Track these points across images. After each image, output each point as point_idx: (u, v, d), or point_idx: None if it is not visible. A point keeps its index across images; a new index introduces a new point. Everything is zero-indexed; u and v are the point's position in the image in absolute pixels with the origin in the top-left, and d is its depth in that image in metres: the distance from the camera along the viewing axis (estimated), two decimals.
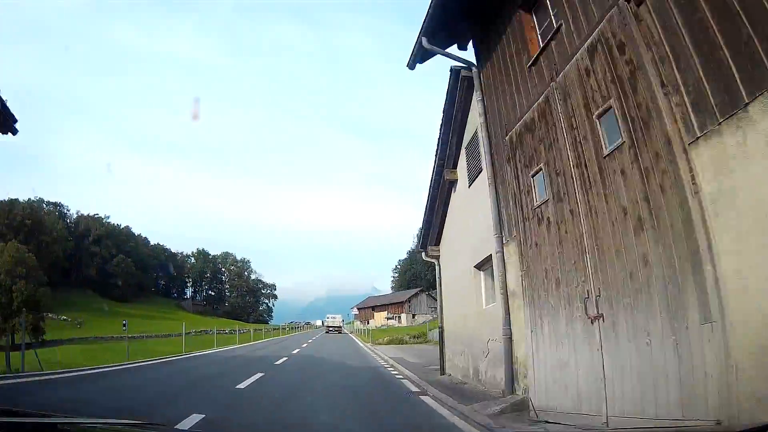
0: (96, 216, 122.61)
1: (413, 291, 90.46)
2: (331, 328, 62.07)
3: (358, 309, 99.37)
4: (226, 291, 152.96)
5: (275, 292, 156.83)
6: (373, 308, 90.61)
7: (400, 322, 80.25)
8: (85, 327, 69.23)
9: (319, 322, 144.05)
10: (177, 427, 5.54)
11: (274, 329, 74.83)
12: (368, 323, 79.94)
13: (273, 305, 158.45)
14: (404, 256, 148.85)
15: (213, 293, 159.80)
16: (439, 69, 20.83)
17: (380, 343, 35.94)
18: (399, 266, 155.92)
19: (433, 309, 76.93)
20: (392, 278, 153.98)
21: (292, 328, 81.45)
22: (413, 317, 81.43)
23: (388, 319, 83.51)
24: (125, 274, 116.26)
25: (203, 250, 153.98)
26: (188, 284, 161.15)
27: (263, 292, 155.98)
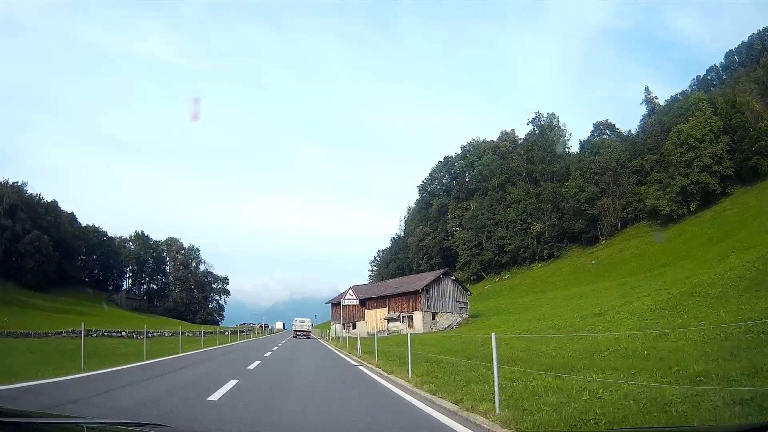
0: (12, 184, 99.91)
1: (434, 274, 63.34)
2: (299, 333, 58.73)
3: (334, 305, 69.32)
4: (171, 284, 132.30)
5: (228, 287, 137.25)
6: (363, 303, 61.81)
7: (411, 325, 56.04)
8: None
9: (279, 325, 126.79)
10: None
11: (222, 333, 57.47)
12: (353, 328, 63.44)
13: (225, 303, 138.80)
14: (386, 244, 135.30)
15: (156, 287, 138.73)
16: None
17: None
18: (379, 258, 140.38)
19: (463, 306, 60.35)
20: (370, 272, 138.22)
21: (238, 333, 62.55)
22: (433, 318, 57.01)
23: (390, 320, 59.93)
24: (40, 256, 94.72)
25: (142, 233, 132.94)
26: (128, 275, 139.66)
27: (214, 286, 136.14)
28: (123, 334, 53.19)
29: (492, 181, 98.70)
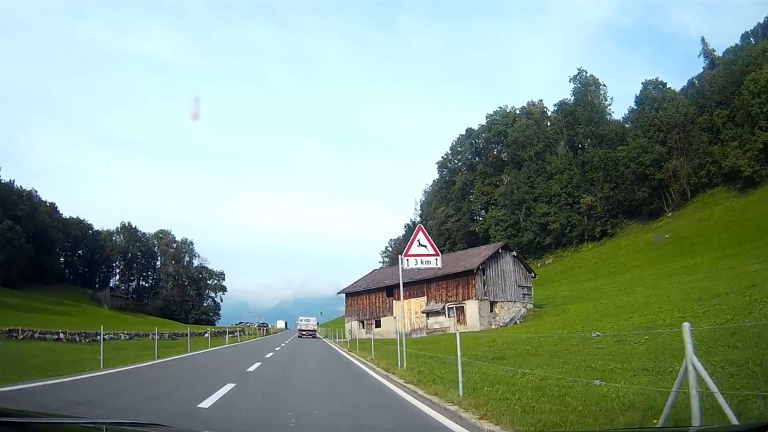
0: None
1: (490, 248, 46.99)
2: (305, 332, 54.15)
3: (349, 296, 54.19)
4: (162, 281, 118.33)
5: (224, 283, 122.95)
6: (388, 290, 47.19)
7: (462, 320, 40.46)
8: None
9: (281, 324, 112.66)
10: None
11: (217, 334, 43.38)
12: (375, 326, 48.34)
13: (221, 301, 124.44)
14: (399, 232, 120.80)
15: (146, 284, 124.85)
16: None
17: None
18: (391, 248, 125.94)
19: (527, 293, 45.59)
20: (381, 263, 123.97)
21: (228, 334, 47.66)
22: (492, 308, 41.29)
23: (429, 315, 43.68)
24: (12, 248, 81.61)
25: (129, 224, 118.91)
26: (116, 271, 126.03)
27: (209, 283, 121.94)
28: (61, 336, 39.33)
29: (528, 150, 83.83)
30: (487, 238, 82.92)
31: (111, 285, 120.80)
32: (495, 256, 43.38)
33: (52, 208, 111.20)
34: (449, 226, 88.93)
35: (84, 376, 11.73)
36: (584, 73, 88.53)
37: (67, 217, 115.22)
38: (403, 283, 41.67)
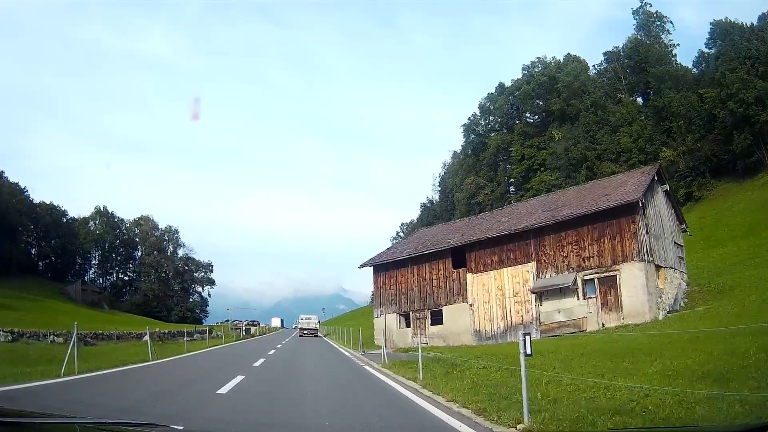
0: None
1: (642, 173, 26.67)
2: (305, 331, 49.85)
3: (379, 271, 33.24)
4: (141, 273, 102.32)
5: (212, 276, 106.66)
6: (456, 256, 28.43)
7: (612, 302, 22.07)
8: None
9: (276, 322, 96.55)
10: None
11: (149, 337, 26.77)
12: (432, 324, 29.18)
13: (209, 296, 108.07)
14: (413, 216, 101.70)
15: (126, 277, 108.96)
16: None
17: None
18: (403, 233, 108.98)
19: (681, 256, 26.83)
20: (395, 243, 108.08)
21: (196, 335, 30.53)
22: (659, 273, 22.75)
23: (544, 295, 24.31)
24: None
25: (105, 209, 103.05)
26: (93, 263, 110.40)
27: (195, 276, 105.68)
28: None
29: (584, 99, 66.78)
30: None
31: (87, 278, 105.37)
32: (651, 189, 24.65)
33: (18, 189, 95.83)
34: (481, 198, 72.04)
35: None
36: (647, 6, 71.36)
37: (38, 201, 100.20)
38: (494, 239, 24.31)
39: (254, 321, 77.81)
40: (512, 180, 70.70)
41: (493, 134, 75.99)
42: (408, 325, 30.88)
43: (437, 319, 29.22)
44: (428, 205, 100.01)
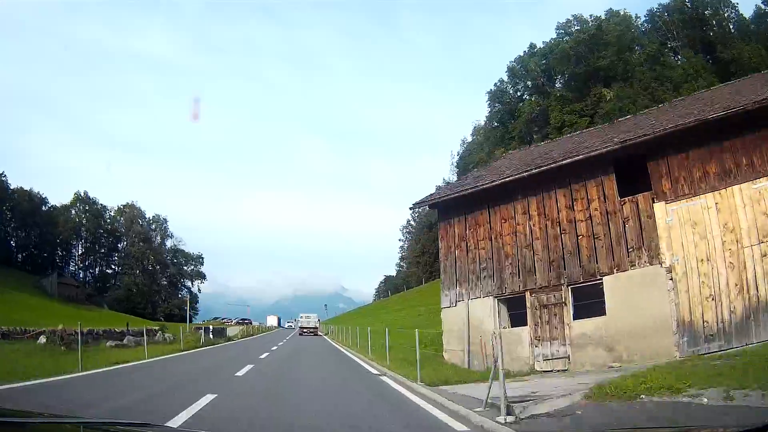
0: None
1: None
2: (305, 330, 49.57)
3: (445, 210, 18.30)
4: (125, 265, 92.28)
5: (202, 269, 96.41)
6: (652, 160, 13.21)
7: None
8: None
9: (272, 321, 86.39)
10: None
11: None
12: (582, 314, 14.17)
13: (199, 291, 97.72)
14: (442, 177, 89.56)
15: (109, 270, 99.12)
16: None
17: None
18: (414, 221, 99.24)
19: None
20: (403, 243, 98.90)
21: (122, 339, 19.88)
22: None
23: None
24: None
25: (86, 194, 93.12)
26: (76, 255, 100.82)
27: (185, 269, 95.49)
28: None
29: (638, 56, 55.88)
30: None
31: (68, 271, 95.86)
32: None
33: None
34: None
35: None
36: None
37: (15, 187, 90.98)
38: (707, 126, 12.40)
39: (245, 319, 67.74)
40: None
41: (523, 104, 64.89)
42: (519, 322, 15.71)
43: (588, 305, 14.34)
44: (444, 185, 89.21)
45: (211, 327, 37.58)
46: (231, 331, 45.68)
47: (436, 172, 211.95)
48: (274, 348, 25.87)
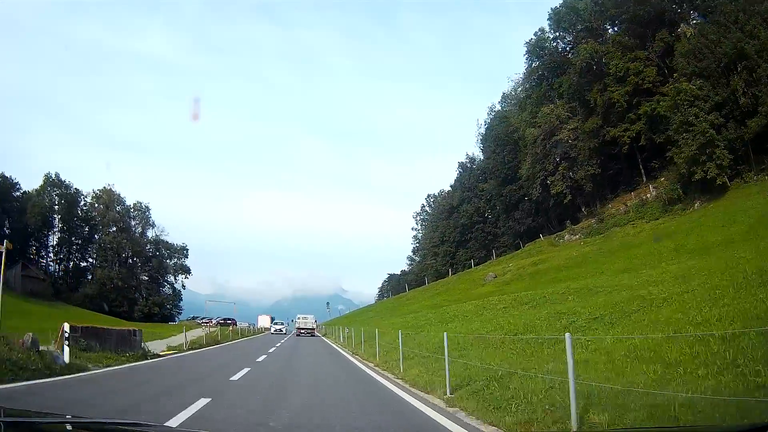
0: None
1: None
2: (302, 331, 49.25)
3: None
4: (99, 256, 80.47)
5: (186, 263, 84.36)
6: None
7: None
8: None
9: (264, 321, 74.23)
10: None
11: None
12: None
13: (183, 287, 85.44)
14: (448, 182, 77.94)
15: (85, 263, 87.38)
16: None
17: None
18: (429, 208, 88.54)
19: None
20: (418, 232, 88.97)
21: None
22: None
23: None
24: None
25: (57, 177, 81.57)
26: (51, 243, 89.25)
27: (167, 262, 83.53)
28: None
29: None
30: (664, 146, 42.91)
31: (42, 264, 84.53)
32: None
33: None
34: (563, 135, 48.93)
35: None
36: None
37: None
38: None
39: (229, 319, 56.16)
40: (617, 106, 46.99)
41: (576, 51, 52.38)
42: None
43: None
44: (468, 165, 76.87)
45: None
46: (173, 340, 27.97)
47: (458, 148, 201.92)
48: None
